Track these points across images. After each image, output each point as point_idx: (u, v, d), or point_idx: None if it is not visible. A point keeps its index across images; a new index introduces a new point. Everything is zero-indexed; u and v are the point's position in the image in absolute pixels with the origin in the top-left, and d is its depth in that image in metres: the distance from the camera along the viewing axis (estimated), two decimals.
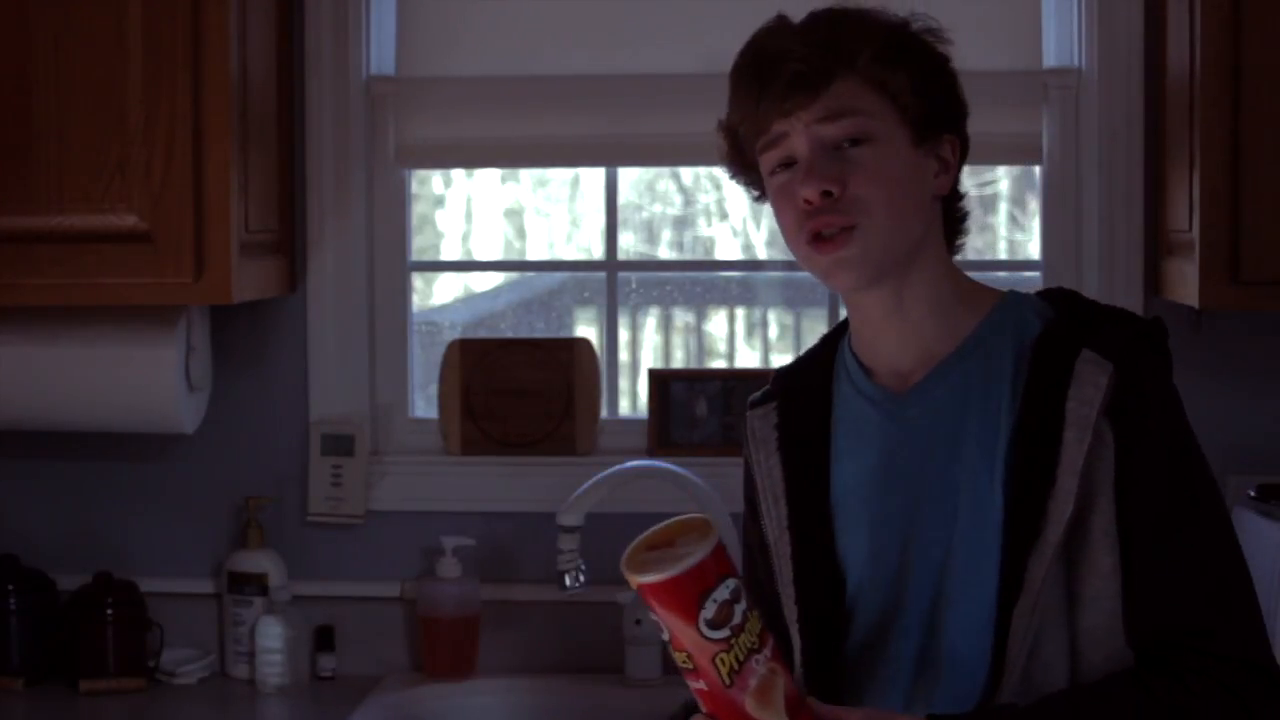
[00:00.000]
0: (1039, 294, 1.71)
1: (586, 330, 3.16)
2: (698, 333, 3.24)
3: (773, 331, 3.19)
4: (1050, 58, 2.92)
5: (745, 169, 1.71)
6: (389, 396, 3.02)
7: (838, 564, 1.64)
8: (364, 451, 2.95)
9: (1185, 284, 2.61)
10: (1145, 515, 1.54)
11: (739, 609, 1.43)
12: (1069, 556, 1.53)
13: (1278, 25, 2.48)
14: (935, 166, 1.64)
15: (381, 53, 3.00)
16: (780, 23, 1.65)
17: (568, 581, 2.74)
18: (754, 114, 1.63)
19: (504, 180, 3.19)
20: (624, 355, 3.11)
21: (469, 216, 3.22)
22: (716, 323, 3.26)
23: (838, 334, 1.77)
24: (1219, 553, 1.57)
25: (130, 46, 2.56)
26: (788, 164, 1.62)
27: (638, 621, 2.82)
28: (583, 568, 2.75)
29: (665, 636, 1.45)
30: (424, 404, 3.08)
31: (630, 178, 3.11)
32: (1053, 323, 1.62)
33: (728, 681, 1.42)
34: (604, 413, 3.02)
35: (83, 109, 2.58)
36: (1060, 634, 1.53)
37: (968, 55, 1.73)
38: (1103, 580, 1.53)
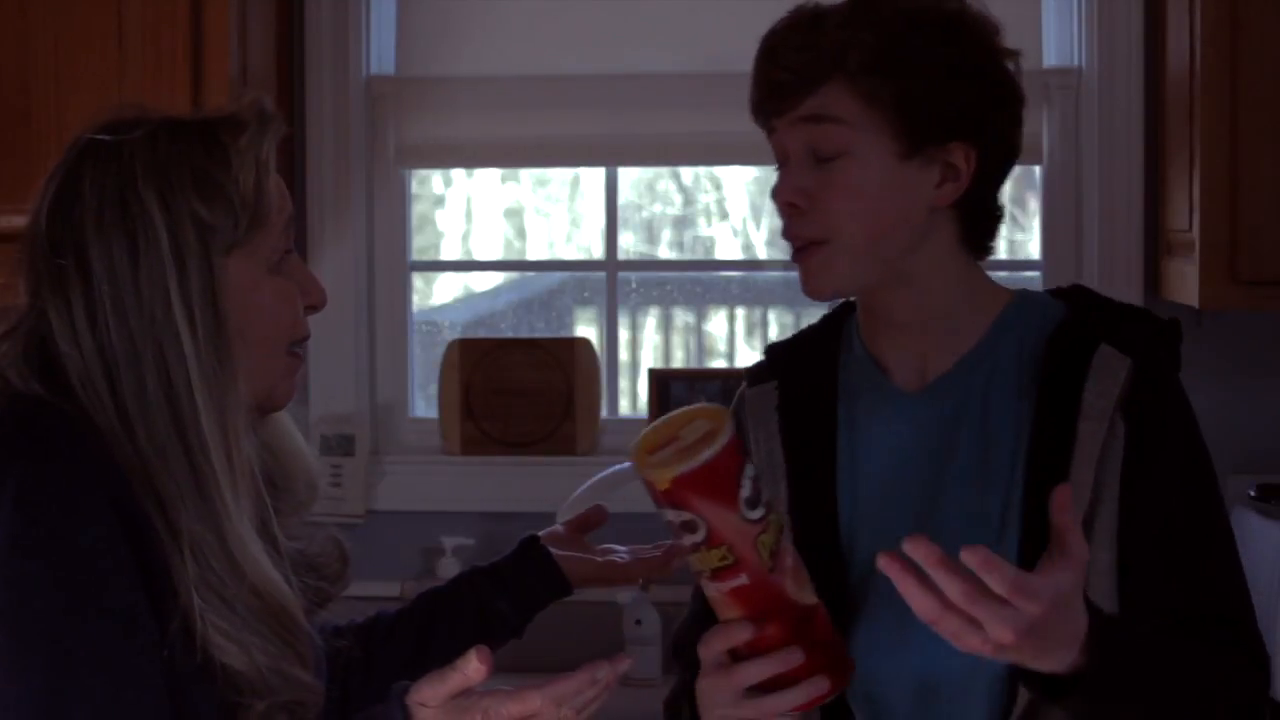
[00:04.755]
0: (1051, 292, 1.68)
1: (586, 330, 3.15)
2: (698, 333, 3.24)
3: (773, 331, 3.19)
4: (1050, 58, 2.92)
5: None
6: (389, 396, 3.02)
7: (842, 551, 1.61)
8: (364, 451, 2.95)
9: (1185, 284, 2.61)
10: (1158, 509, 1.54)
11: (763, 484, 1.38)
12: None
13: (1278, 25, 2.48)
14: (937, 176, 1.56)
15: (381, 53, 3.00)
16: (795, 16, 1.58)
17: None
18: (753, 110, 1.61)
19: (504, 180, 3.19)
20: (624, 355, 3.11)
21: (469, 216, 3.22)
22: (716, 323, 3.26)
23: (841, 314, 1.73)
24: (1225, 548, 1.58)
25: (130, 46, 2.57)
26: (783, 161, 1.60)
27: (638, 621, 2.82)
28: None
29: (698, 537, 1.35)
30: (424, 404, 3.08)
31: (630, 178, 3.11)
32: (1068, 318, 1.61)
33: (770, 565, 1.36)
34: (604, 413, 3.02)
35: (83, 109, 2.57)
36: None
37: None
38: (1099, 576, 1.52)
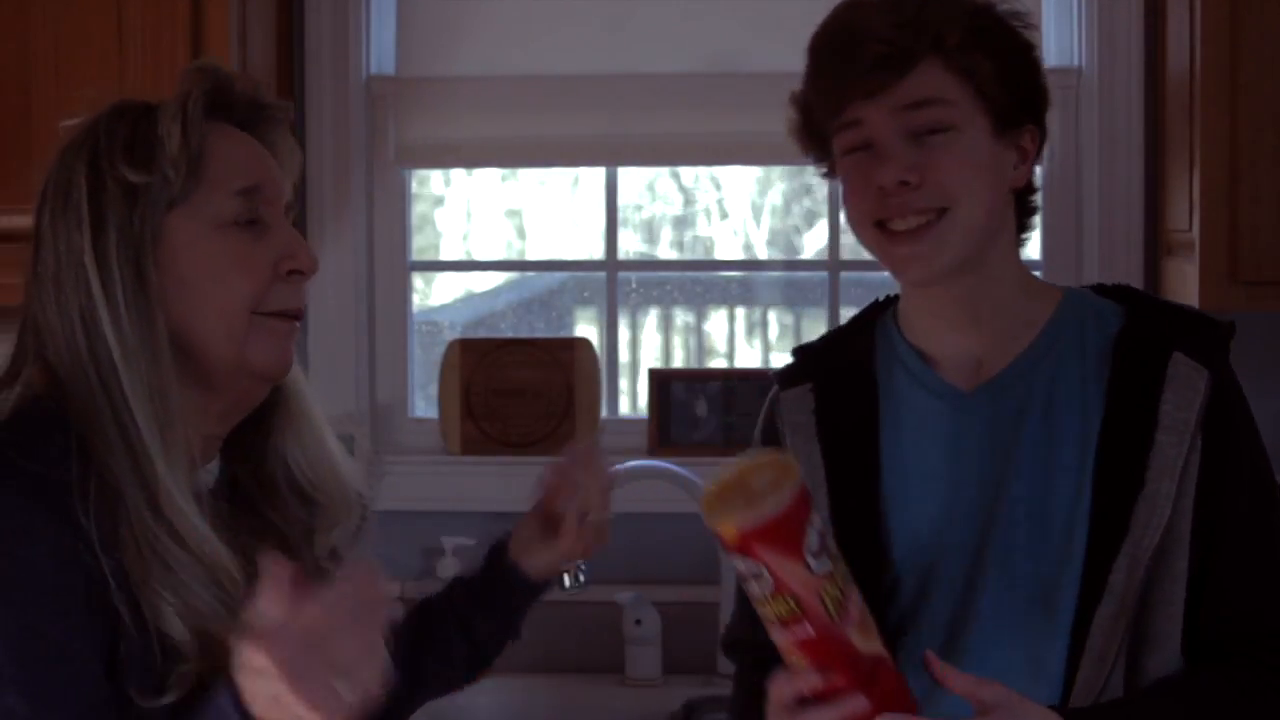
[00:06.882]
0: (1095, 290, 1.68)
1: (586, 330, 3.16)
2: (698, 333, 3.25)
3: (773, 331, 3.19)
4: (1050, 58, 2.92)
5: (815, 143, 1.65)
6: (389, 396, 3.02)
7: (884, 556, 1.60)
8: (364, 451, 2.95)
9: (1185, 284, 2.61)
10: (1230, 520, 1.54)
11: (829, 536, 1.38)
12: (1147, 560, 1.52)
13: (1278, 25, 2.48)
14: (1014, 157, 1.60)
15: (381, 53, 3.00)
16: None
17: (567, 581, 2.73)
18: (833, 92, 1.57)
19: (504, 180, 3.19)
20: (624, 355, 3.11)
21: (469, 216, 3.22)
22: (716, 322, 3.26)
23: (872, 315, 1.72)
24: None
25: (130, 46, 2.56)
26: (865, 146, 1.57)
27: (638, 621, 2.82)
28: (583, 567, 2.73)
29: (765, 588, 1.36)
30: (424, 404, 3.08)
31: (630, 178, 3.11)
32: (1131, 321, 1.60)
33: (835, 616, 1.36)
34: (604, 413, 3.01)
35: (82, 109, 2.57)
36: (1125, 636, 1.52)
37: None
38: (1174, 585, 1.53)
